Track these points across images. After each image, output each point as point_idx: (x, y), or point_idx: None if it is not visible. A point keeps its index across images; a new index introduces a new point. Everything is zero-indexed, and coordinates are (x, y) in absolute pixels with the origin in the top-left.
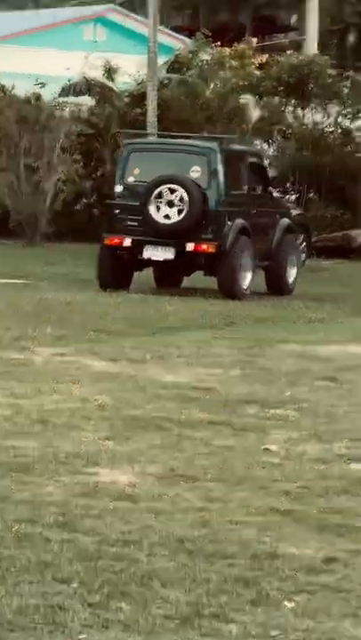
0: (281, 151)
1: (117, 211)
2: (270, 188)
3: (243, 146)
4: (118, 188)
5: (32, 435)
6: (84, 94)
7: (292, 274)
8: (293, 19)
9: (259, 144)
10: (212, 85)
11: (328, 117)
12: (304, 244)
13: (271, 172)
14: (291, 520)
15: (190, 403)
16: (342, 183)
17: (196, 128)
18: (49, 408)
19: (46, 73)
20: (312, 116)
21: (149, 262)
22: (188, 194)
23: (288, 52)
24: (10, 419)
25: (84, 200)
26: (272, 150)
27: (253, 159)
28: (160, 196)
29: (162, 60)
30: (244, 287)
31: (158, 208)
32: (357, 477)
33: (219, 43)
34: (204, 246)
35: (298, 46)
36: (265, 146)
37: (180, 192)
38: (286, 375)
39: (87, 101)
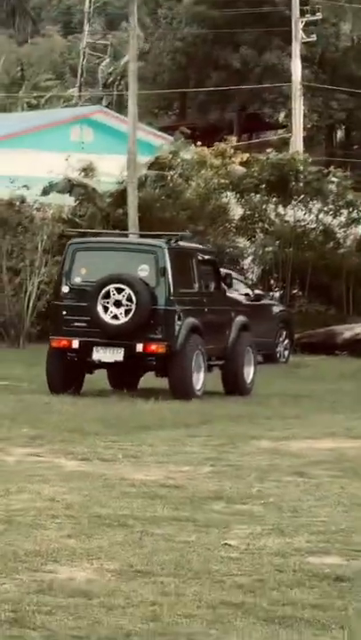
0: (263, 248)
1: (64, 312)
2: (223, 286)
3: (195, 244)
4: (64, 289)
5: None
6: (64, 194)
7: (249, 373)
8: (282, 116)
9: (206, 243)
10: (193, 184)
11: (310, 214)
12: (287, 340)
13: (228, 270)
14: (240, 612)
15: (157, 500)
16: (326, 279)
17: (178, 227)
18: (16, 507)
19: (32, 175)
20: (294, 213)
21: (99, 364)
22: (135, 293)
23: (268, 150)
24: None
25: None
26: (255, 248)
27: (205, 257)
28: (107, 295)
29: (146, 158)
30: (197, 388)
31: (106, 308)
32: (312, 570)
33: (199, 142)
34: (154, 347)
35: (285, 143)
36: (247, 244)
37: (128, 291)
38: (256, 471)
39: (69, 202)
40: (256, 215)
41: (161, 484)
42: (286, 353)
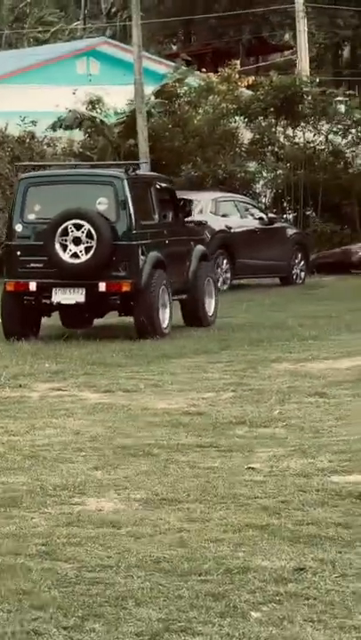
0: (275, 172)
1: (19, 252)
2: (181, 215)
3: (150, 172)
4: (18, 228)
5: (22, 470)
6: (73, 129)
7: (210, 304)
8: (287, 37)
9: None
10: (201, 111)
11: (319, 135)
12: (302, 262)
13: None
14: (266, 534)
15: (180, 428)
16: (338, 200)
17: (189, 155)
18: (41, 443)
19: (40, 109)
20: (303, 134)
21: (59, 307)
22: (95, 229)
23: (271, 72)
24: (2, 455)
25: None
26: (265, 172)
27: (162, 185)
28: (65, 233)
29: (153, 87)
30: (164, 326)
31: (64, 247)
32: (335, 489)
33: (204, 69)
34: (118, 285)
35: (292, 65)
36: (258, 167)
37: (87, 227)
38: (277, 394)
39: (78, 136)
40: (265, 139)
41: (183, 412)
42: (302, 274)
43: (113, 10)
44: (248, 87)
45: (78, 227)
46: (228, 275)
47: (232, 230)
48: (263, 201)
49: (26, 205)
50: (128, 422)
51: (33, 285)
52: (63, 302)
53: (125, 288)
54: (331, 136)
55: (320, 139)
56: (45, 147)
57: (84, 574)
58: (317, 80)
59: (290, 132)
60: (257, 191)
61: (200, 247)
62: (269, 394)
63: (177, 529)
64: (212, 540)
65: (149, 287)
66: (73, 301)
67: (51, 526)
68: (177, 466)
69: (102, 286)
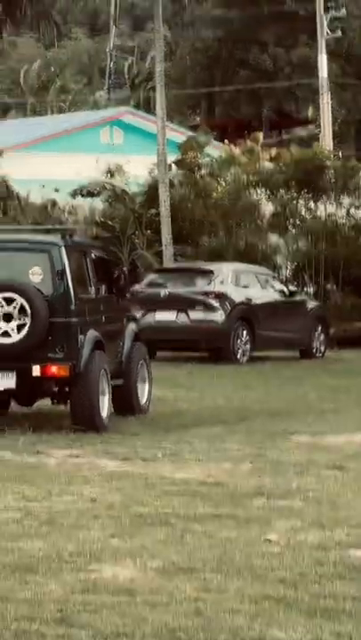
0: (296, 244)
1: None
2: (116, 288)
3: (84, 238)
4: None
5: (39, 536)
6: (94, 196)
7: (144, 390)
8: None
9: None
10: (222, 183)
11: (341, 209)
12: (323, 335)
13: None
14: (282, 606)
15: (198, 497)
16: (359, 274)
17: (210, 226)
18: (58, 509)
19: (62, 177)
20: (325, 208)
21: None
22: (29, 303)
23: (292, 146)
24: (19, 521)
25: None
26: (287, 244)
27: (97, 254)
28: None
29: (175, 157)
30: (104, 415)
31: None
32: (353, 563)
33: (227, 140)
34: (55, 369)
35: (315, 139)
36: (279, 240)
37: (20, 301)
38: (295, 466)
39: (98, 204)
40: (287, 211)
41: (201, 482)
42: (323, 348)
43: (137, 80)
44: (270, 160)
45: (9, 301)
46: (248, 346)
47: (252, 302)
48: (284, 273)
49: None
50: (145, 491)
51: None
52: None
53: (63, 372)
54: (352, 210)
55: (341, 212)
56: (67, 214)
57: None
58: (339, 154)
59: (311, 205)
60: (278, 263)
61: (132, 325)
62: (287, 466)
63: (193, 598)
64: (228, 610)
65: (89, 371)
66: (1, 388)
67: (66, 593)
68: (194, 535)
69: (36, 370)
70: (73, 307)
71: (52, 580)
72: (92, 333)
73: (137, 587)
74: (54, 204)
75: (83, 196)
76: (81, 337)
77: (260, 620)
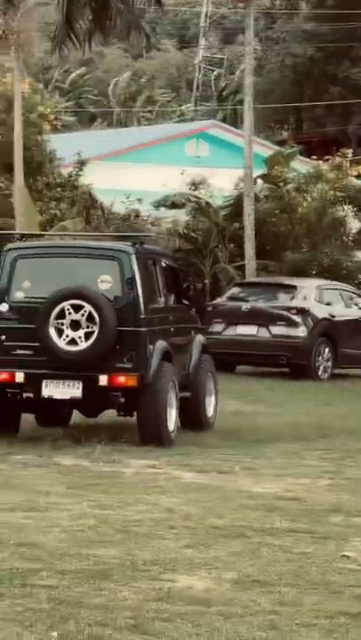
0: None
1: (3, 337)
2: (185, 299)
3: (156, 247)
4: (3, 307)
5: (113, 544)
6: (178, 208)
7: (210, 404)
8: None
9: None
10: (308, 198)
11: None
12: None
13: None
14: (359, 622)
15: (274, 512)
16: None
17: (295, 242)
18: (133, 518)
19: (146, 188)
20: None
21: (49, 402)
22: (97, 311)
23: None
24: (94, 528)
25: None
26: None
27: (167, 262)
28: (62, 315)
29: (260, 171)
30: (171, 429)
31: (60, 331)
32: None
33: (315, 156)
34: (123, 379)
35: None
36: None
37: (88, 309)
38: None
39: (181, 216)
40: None
41: (278, 497)
42: None
43: (224, 93)
44: (358, 176)
45: (78, 308)
46: (330, 363)
47: (335, 319)
48: None
49: (13, 282)
50: (222, 503)
51: (20, 376)
52: (56, 397)
53: (131, 383)
54: None
55: None
56: (150, 225)
57: None
58: None
59: None
60: None
61: (200, 337)
62: None
63: (268, 611)
64: (303, 624)
65: (157, 383)
66: (68, 396)
67: (140, 600)
68: (270, 549)
69: (103, 380)
70: (142, 316)
71: (126, 587)
72: (160, 344)
73: (211, 597)
74: (137, 214)
75: (166, 207)
76: (150, 347)
77: (335, 636)
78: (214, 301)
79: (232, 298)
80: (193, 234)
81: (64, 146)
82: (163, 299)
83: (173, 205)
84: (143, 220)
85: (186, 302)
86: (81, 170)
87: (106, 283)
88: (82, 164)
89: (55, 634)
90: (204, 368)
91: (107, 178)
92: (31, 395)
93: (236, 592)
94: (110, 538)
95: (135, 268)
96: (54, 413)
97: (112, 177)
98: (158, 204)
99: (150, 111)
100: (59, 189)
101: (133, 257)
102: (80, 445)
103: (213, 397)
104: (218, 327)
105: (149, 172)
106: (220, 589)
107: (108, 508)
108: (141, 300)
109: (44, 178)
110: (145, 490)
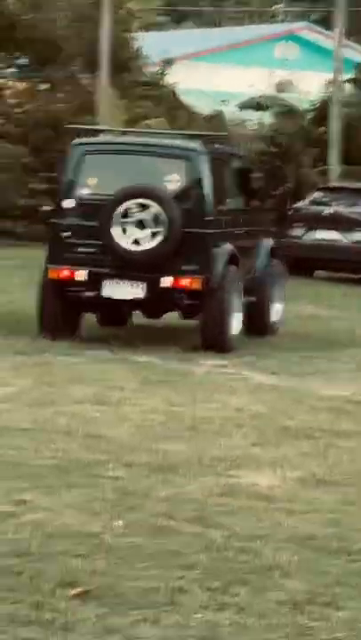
0: None
1: (66, 234)
2: (255, 200)
3: (227, 146)
4: (68, 203)
5: (182, 440)
6: (263, 110)
7: (277, 310)
8: None
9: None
10: None
11: None
12: None
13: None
14: None
15: (344, 415)
16: None
17: None
18: (202, 416)
19: (232, 89)
20: None
21: (109, 302)
22: (164, 211)
23: None
24: (164, 424)
25: None
26: None
27: (239, 163)
28: (127, 214)
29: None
30: (234, 334)
31: (125, 230)
32: None
33: None
34: (187, 281)
35: None
36: None
37: (155, 209)
38: None
39: (266, 118)
40: None
41: (349, 400)
42: None
43: None
44: None
45: (144, 207)
46: None
47: None
48: None
49: (79, 177)
50: (292, 404)
51: (82, 274)
52: (116, 297)
53: (195, 285)
54: None
55: None
56: (234, 127)
57: (233, 542)
58: None
59: None
60: None
61: (269, 241)
62: None
63: (331, 509)
64: None
65: (223, 286)
66: (130, 297)
67: (205, 495)
68: (337, 450)
69: (167, 281)
70: (209, 218)
71: (192, 481)
72: (227, 247)
73: (275, 494)
74: (222, 115)
75: (252, 109)
76: (216, 250)
77: None
78: (296, 205)
79: (314, 202)
80: (278, 137)
81: (152, 44)
82: (232, 200)
83: (259, 107)
84: (228, 121)
85: (257, 204)
86: (167, 69)
87: (174, 182)
88: (169, 63)
89: (120, 522)
90: (272, 273)
91: (193, 78)
92: (92, 294)
93: (300, 490)
94: (179, 434)
95: (204, 167)
96: (115, 314)
97: (198, 77)
98: (244, 106)
99: (241, 11)
100: (144, 88)
101: (203, 156)
102: (153, 345)
103: (281, 303)
104: (298, 231)
105: (237, 73)
106: (285, 487)
107: (178, 405)
108: (209, 201)
109: (129, 76)
110: (215, 389)
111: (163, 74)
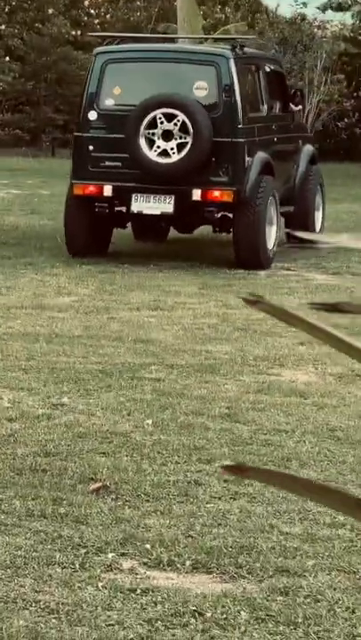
0: None
1: (91, 147)
2: (292, 106)
3: (257, 50)
4: (91, 115)
5: (229, 340)
6: (344, 11)
7: (318, 219)
8: None
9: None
10: None
11: None
12: None
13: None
14: None
15: None
16: None
17: None
18: (255, 317)
19: None
20: None
21: (139, 217)
22: (191, 120)
23: None
24: (214, 326)
25: (346, 120)
26: None
27: (272, 67)
28: (153, 124)
29: None
30: (270, 247)
31: (151, 142)
32: None
33: None
34: (217, 193)
35: None
36: None
37: (182, 118)
38: None
39: (348, 19)
40: None
41: None
42: None
43: None
44: None
45: (170, 117)
46: None
47: None
48: None
49: (102, 88)
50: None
51: (108, 189)
52: (146, 212)
53: (226, 197)
54: None
55: None
56: (315, 29)
57: (258, 436)
58: None
59: None
60: None
61: (309, 147)
62: None
63: None
64: None
65: (255, 198)
66: (158, 211)
67: (240, 392)
68: None
69: (197, 194)
70: (240, 126)
71: (230, 380)
72: (260, 155)
73: (311, 390)
74: (303, 18)
75: (333, 9)
76: (248, 159)
77: None
78: None
79: None
80: (359, 37)
81: None
82: (265, 106)
83: (340, 8)
84: (309, 23)
85: (293, 109)
86: None
87: (201, 89)
88: None
89: (150, 421)
90: (311, 180)
91: None
92: (123, 209)
93: (337, 385)
94: (228, 335)
95: (234, 73)
96: (151, 228)
97: None
98: (325, 7)
99: None
100: None
101: (232, 61)
102: (209, 252)
103: (321, 213)
104: None
105: None
106: (321, 382)
107: (233, 307)
108: (240, 108)
109: None
110: (274, 291)
111: None
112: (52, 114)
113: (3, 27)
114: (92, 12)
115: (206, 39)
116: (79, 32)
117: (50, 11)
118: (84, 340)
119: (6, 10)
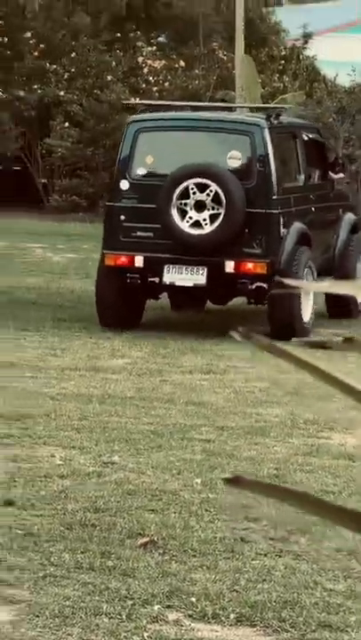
0: None
1: (123, 217)
2: (331, 174)
3: (295, 118)
4: (123, 185)
5: (280, 404)
6: None
7: None
8: None
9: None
10: None
11: None
12: None
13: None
14: None
15: None
16: None
17: None
18: (307, 382)
19: None
20: None
21: (171, 288)
22: (224, 191)
23: None
24: (265, 390)
25: None
26: None
27: (310, 136)
28: (186, 195)
29: None
30: (306, 320)
31: (184, 213)
32: None
33: None
34: (251, 265)
35: None
36: None
37: (214, 189)
38: None
39: None
40: None
41: None
42: None
43: None
44: None
45: (203, 188)
46: None
47: None
48: None
49: (135, 157)
50: None
51: (140, 260)
52: (178, 284)
53: (260, 270)
54: None
55: None
56: None
57: None
58: None
59: None
60: None
61: (350, 216)
62: None
63: None
64: None
65: (290, 269)
66: (191, 283)
67: (289, 454)
68: None
69: (230, 266)
70: (275, 197)
71: (280, 443)
72: (296, 226)
73: (360, 453)
74: None
75: None
76: (283, 230)
77: None
78: None
79: None
80: None
81: (290, 18)
82: (303, 176)
83: None
84: None
85: (335, 178)
86: (306, 42)
87: (235, 159)
88: (307, 36)
89: (199, 480)
90: (351, 249)
91: (332, 50)
92: (156, 279)
93: None
94: (278, 399)
95: (268, 143)
96: (187, 299)
97: (338, 50)
98: None
99: None
100: (282, 62)
101: (266, 131)
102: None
103: None
104: None
105: None
106: None
107: (285, 371)
108: (274, 178)
109: (267, 50)
110: (329, 356)
111: (302, 47)
112: (109, 180)
113: (62, 92)
114: (151, 79)
115: (243, 108)
116: (138, 99)
117: (108, 77)
118: (136, 402)
119: (65, 77)
